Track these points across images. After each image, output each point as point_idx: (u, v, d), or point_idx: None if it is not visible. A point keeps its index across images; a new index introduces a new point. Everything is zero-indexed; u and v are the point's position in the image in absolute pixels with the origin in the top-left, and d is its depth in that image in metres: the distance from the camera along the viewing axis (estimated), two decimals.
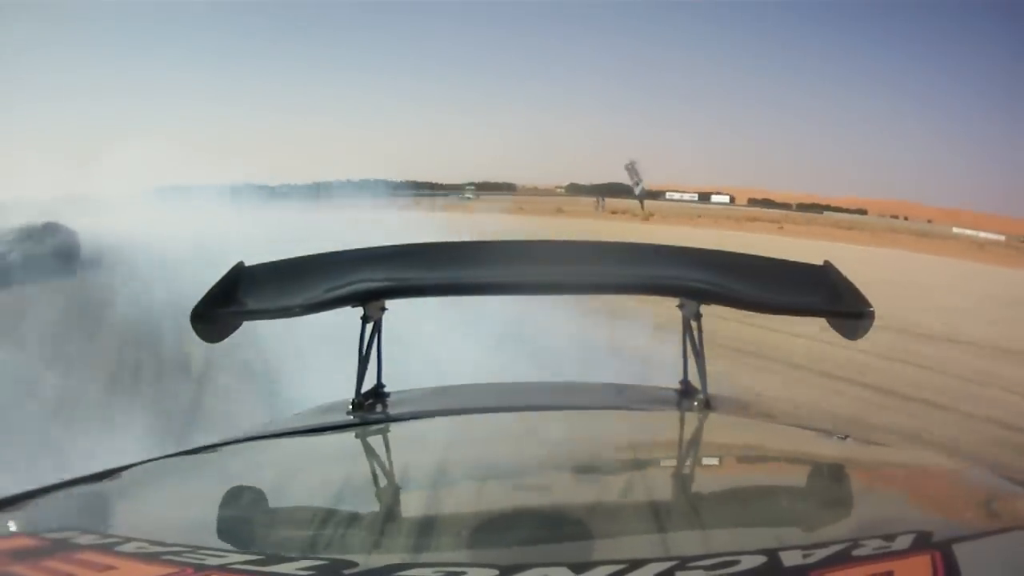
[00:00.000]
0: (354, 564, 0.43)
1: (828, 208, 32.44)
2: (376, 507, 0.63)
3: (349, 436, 0.88)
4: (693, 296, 0.97)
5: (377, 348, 1.00)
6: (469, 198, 26.34)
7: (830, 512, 0.58)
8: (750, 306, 0.99)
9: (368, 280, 0.96)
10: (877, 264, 11.67)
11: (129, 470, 0.68)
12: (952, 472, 0.76)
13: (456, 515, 0.58)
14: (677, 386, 1.06)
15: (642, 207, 22.49)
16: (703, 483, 0.70)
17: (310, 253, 1.03)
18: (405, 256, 1.05)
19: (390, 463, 0.78)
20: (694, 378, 1.01)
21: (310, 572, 0.41)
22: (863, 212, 33.70)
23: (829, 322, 0.99)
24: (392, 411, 0.98)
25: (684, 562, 0.40)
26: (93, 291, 7.67)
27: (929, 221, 32.88)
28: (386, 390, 1.05)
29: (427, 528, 0.55)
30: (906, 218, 34.07)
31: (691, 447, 0.85)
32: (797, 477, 0.71)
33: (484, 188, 27.57)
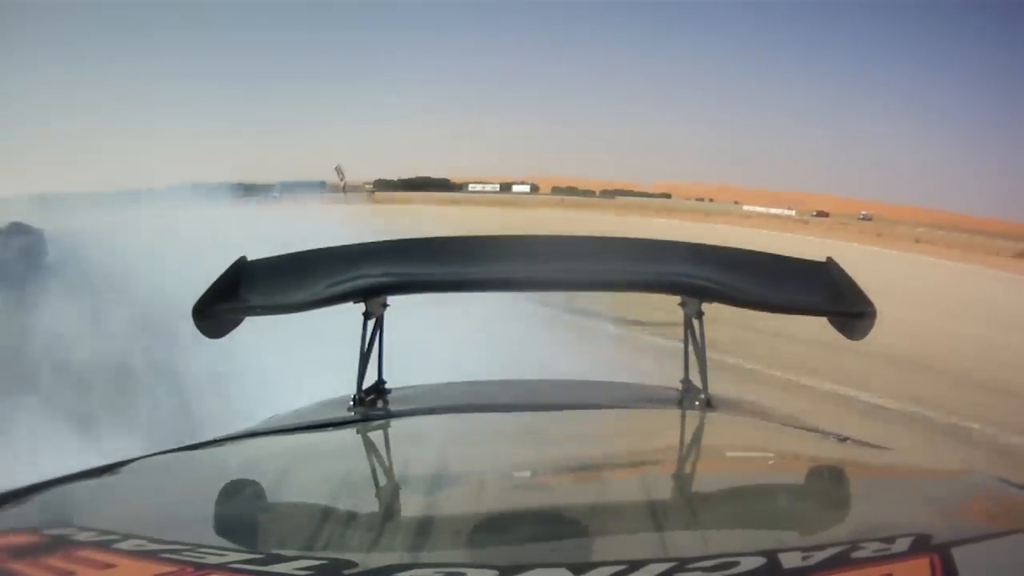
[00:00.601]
0: (353, 564, 0.44)
1: (633, 194, 34.69)
2: (376, 505, 0.63)
3: (350, 433, 0.89)
4: (695, 294, 0.96)
5: (379, 344, 1.01)
6: (276, 196, 27.30)
7: (829, 514, 0.59)
8: (752, 305, 0.98)
9: (371, 276, 0.96)
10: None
11: (128, 465, 0.68)
12: (951, 475, 0.76)
13: (456, 514, 0.58)
14: (678, 385, 1.06)
15: (345, 196, 26.28)
16: (703, 483, 0.70)
17: (312, 248, 1.03)
18: (407, 252, 1.05)
19: (391, 460, 0.79)
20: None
21: (310, 571, 0.41)
22: (667, 196, 36.45)
23: (830, 320, 0.98)
24: (393, 407, 0.99)
25: (683, 563, 0.40)
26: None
27: (736, 202, 35.88)
28: (387, 386, 1.06)
29: (427, 527, 0.55)
30: (711, 199, 36.94)
31: (691, 447, 0.86)
32: (797, 478, 0.72)
33: (295, 187, 28.51)
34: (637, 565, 0.40)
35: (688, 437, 0.90)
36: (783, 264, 1.02)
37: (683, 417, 0.95)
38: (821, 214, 33.57)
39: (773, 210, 32.31)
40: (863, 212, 39.02)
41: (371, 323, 0.99)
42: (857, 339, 0.96)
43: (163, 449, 0.76)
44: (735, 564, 0.40)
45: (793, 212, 32.78)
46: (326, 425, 0.88)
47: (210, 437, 0.83)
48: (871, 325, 0.93)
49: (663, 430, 0.92)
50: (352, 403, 0.95)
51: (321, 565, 0.42)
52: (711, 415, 0.92)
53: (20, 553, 0.45)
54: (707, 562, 0.40)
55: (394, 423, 0.93)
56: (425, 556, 0.49)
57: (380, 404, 0.99)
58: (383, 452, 0.84)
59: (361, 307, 0.98)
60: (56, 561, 0.43)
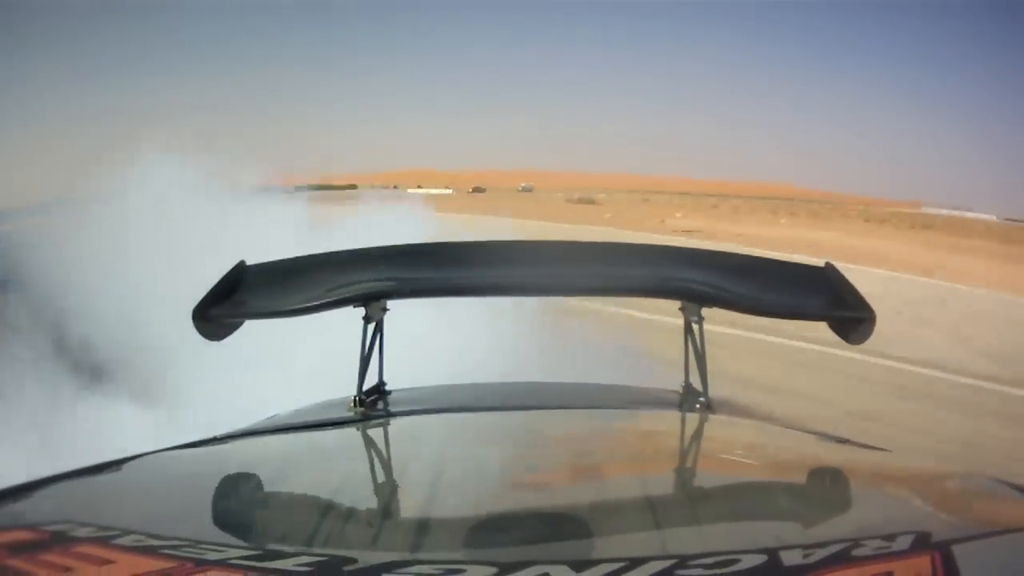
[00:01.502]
0: (353, 560, 0.44)
1: (320, 187, 41.22)
2: (376, 503, 0.64)
3: (350, 432, 0.90)
4: (695, 299, 0.99)
5: (379, 347, 1.03)
6: None
7: (830, 513, 0.59)
8: (752, 310, 0.99)
9: (370, 280, 0.99)
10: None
11: (128, 463, 0.69)
12: (951, 475, 0.76)
13: (456, 512, 0.59)
14: (679, 388, 1.09)
15: None
16: (703, 483, 0.71)
17: (312, 253, 1.05)
18: (407, 256, 1.07)
19: (391, 460, 0.80)
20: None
21: (309, 568, 0.41)
22: (353, 186, 43.23)
23: (829, 324, 1.01)
24: (393, 408, 1.01)
25: (684, 561, 0.40)
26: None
27: (419, 185, 40.75)
28: (387, 388, 1.08)
29: (426, 525, 0.56)
30: (396, 186, 41.77)
31: (691, 448, 0.87)
32: (797, 479, 0.72)
33: None
34: (638, 562, 0.40)
35: (688, 438, 0.92)
36: (782, 269, 1.07)
37: (683, 419, 0.98)
38: (478, 189, 37.91)
39: (433, 190, 35.53)
40: (523, 184, 47.94)
41: (371, 327, 1.00)
42: (856, 343, 0.98)
43: (163, 447, 0.77)
44: (736, 561, 0.40)
45: (451, 191, 36.80)
46: (326, 424, 0.90)
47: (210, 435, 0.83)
48: (871, 330, 0.96)
49: (663, 431, 0.95)
50: (353, 403, 0.97)
51: (321, 561, 0.43)
52: (711, 417, 0.95)
53: (19, 549, 0.45)
54: (708, 559, 0.41)
55: (394, 422, 0.96)
56: (425, 553, 0.49)
57: (380, 405, 1.02)
58: (383, 450, 0.86)
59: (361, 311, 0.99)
60: (55, 557, 0.43)
